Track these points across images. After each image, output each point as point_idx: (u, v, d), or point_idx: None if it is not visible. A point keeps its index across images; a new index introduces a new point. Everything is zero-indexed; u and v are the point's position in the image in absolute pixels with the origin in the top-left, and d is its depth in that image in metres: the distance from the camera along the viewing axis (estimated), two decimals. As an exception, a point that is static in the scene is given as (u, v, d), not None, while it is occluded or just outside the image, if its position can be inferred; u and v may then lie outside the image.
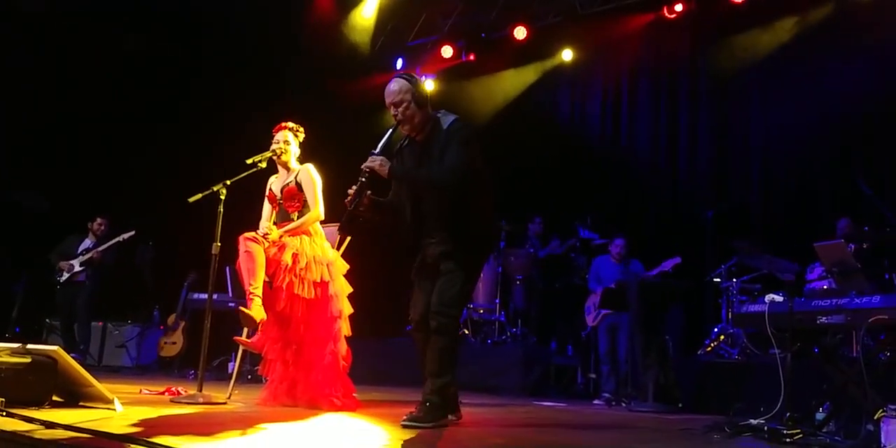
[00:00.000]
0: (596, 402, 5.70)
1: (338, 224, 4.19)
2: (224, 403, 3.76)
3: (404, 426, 3.04)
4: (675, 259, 6.09)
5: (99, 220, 7.02)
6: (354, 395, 3.89)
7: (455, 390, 3.33)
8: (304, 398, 3.80)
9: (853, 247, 5.00)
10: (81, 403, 3.14)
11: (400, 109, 3.25)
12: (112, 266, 6.95)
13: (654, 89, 8.12)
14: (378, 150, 3.23)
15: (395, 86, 3.27)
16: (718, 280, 6.16)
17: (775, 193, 7.14)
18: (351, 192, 3.20)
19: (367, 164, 3.19)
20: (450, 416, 3.30)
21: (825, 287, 4.94)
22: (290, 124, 4.14)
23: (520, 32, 8.40)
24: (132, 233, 6.80)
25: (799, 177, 6.99)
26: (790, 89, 7.06)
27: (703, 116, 7.72)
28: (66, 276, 6.83)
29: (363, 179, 3.18)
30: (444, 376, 3.19)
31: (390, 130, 3.31)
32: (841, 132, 6.67)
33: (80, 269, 6.80)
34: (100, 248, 6.79)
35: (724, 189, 7.41)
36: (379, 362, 5.99)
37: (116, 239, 6.80)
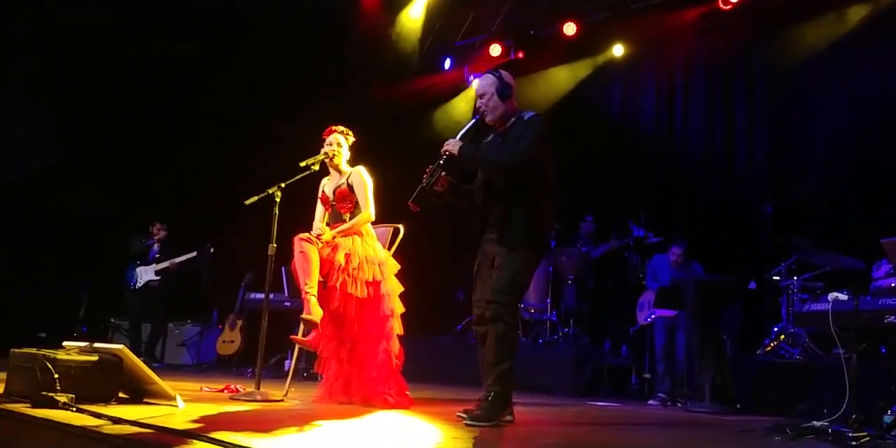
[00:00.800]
0: (651, 402, 5.60)
1: (390, 225, 4.28)
2: (281, 401, 3.84)
3: (466, 425, 3.09)
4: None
5: (158, 225, 7.31)
6: (407, 392, 3.93)
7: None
8: (358, 395, 3.86)
9: (923, 243, 4.78)
10: (145, 400, 3.26)
11: (484, 100, 3.44)
12: (182, 273, 7.30)
13: (709, 82, 7.89)
14: (458, 136, 3.39)
15: (482, 80, 3.49)
16: (778, 278, 5.95)
17: (838, 187, 6.82)
18: (428, 170, 3.33)
19: (444, 146, 3.36)
20: (507, 417, 3.30)
21: (893, 285, 4.76)
22: (340, 127, 4.23)
23: (569, 28, 8.28)
24: (209, 249, 7.11)
25: (864, 169, 6.67)
26: (856, 77, 6.73)
27: (760, 108, 7.46)
28: (140, 282, 7.13)
29: (441, 161, 3.33)
30: (503, 363, 3.21)
31: (473, 120, 3.48)
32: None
33: (156, 278, 7.11)
34: (176, 261, 7.11)
35: (783, 183, 7.14)
36: (428, 360, 6.02)
37: (191, 254, 7.10)
